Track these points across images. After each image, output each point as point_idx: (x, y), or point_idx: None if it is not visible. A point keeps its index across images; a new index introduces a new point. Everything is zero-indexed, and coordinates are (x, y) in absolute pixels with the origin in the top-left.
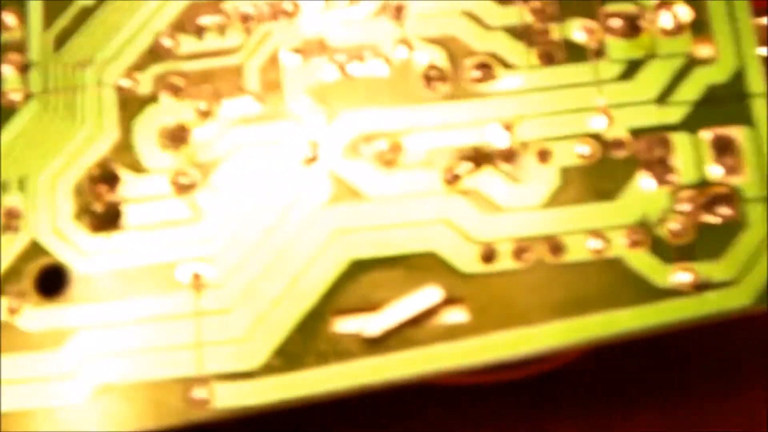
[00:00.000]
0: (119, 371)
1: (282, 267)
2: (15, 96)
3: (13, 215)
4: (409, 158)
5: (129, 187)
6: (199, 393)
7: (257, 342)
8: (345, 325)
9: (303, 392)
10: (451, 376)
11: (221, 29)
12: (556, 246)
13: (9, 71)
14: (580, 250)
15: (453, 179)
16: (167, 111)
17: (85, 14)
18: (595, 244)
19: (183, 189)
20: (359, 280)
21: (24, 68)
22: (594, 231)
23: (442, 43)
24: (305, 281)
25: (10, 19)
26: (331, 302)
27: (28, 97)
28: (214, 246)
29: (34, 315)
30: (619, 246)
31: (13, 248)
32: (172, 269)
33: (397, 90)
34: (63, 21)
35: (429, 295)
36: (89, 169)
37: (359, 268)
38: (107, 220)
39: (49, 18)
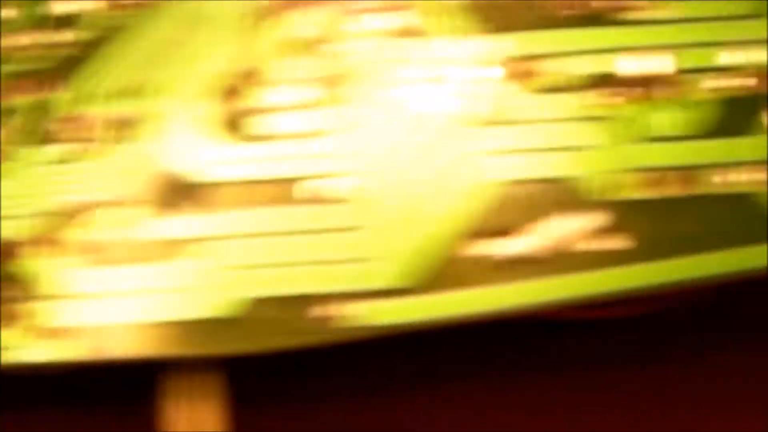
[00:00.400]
0: (249, 286)
1: (408, 185)
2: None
3: (133, 121)
4: (548, 82)
5: (256, 99)
6: (331, 310)
7: (394, 262)
8: (482, 248)
9: (436, 314)
10: (570, 309)
11: None
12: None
13: None
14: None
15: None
16: (298, 22)
17: None
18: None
19: (319, 102)
20: (495, 202)
21: None
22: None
23: None
24: (436, 202)
25: None
26: (466, 225)
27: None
28: (344, 162)
29: (160, 225)
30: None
31: (134, 157)
32: (303, 183)
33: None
34: None
35: (572, 220)
36: (219, 77)
37: (499, 189)
38: (239, 128)
39: None
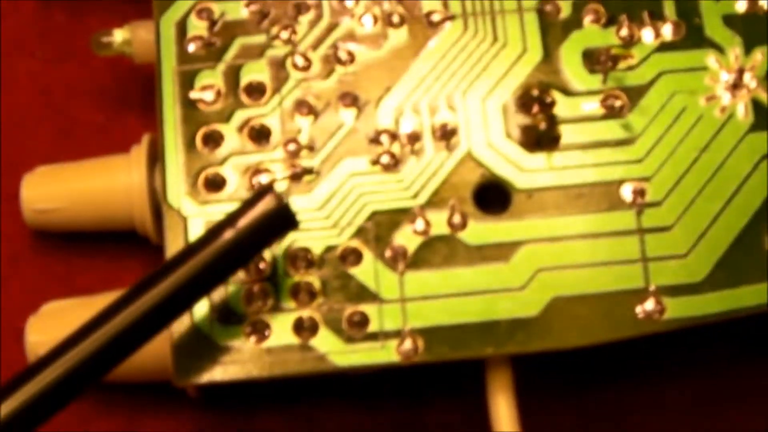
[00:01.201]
0: (569, 285)
1: (715, 187)
2: (436, 17)
3: (446, 132)
4: None
5: (561, 109)
6: (648, 306)
7: (698, 258)
8: None
9: (743, 304)
10: None
11: None
12: None
13: None
14: None
15: None
16: (591, 36)
17: None
18: None
19: (615, 111)
20: None
21: None
22: None
23: None
24: (738, 200)
25: None
26: (763, 221)
27: (448, 18)
28: (650, 166)
29: (478, 229)
30: None
31: (450, 163)
32: (614, 188)
33: None
34: None
35: None
36: (525, 89)
37: None
38: (548, 138)
39: None
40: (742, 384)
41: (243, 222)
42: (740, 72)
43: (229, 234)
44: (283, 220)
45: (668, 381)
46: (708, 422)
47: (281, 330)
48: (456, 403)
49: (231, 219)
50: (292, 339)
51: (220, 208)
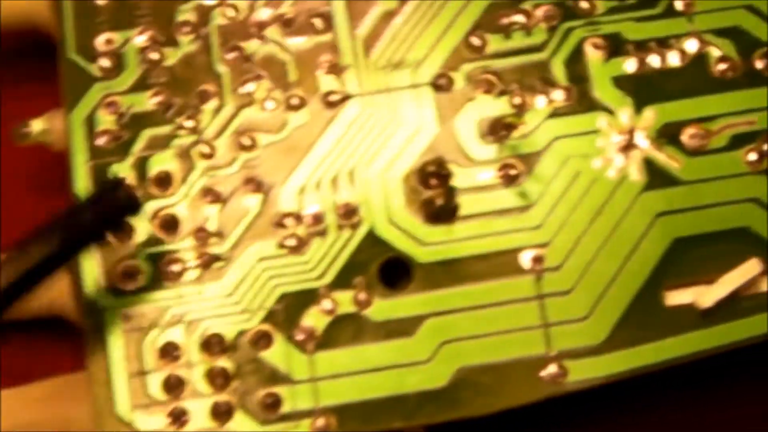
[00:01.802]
0: (473, 355)
1: (612, 248)
2: (334, 97)
3: (348, 211)
4: (714, 143)
5: (458, 180)
6: (551, 370)
7: (598, 319)
8: (677, 298)
9: (645, 362)
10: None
11: (526, 28)
12: None
13: (324, 75)
14: None
15: (757, 161)
16: (484, 106)
17: (389, 17)
18: None
19: (511, 180)
20: (683, 256)
21: (339, 71)
22: None
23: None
24: (635, 260)
25: (318, 22)
26: (661, 278)
27: (346, 98)
28: (547, 232)
29: (383, 306)
30: None
31: (353, 242)
32: (513, 256)
33: (691, 80)
34: (368, 24)
35: (751, 267)
36: (423, 164)
37: (682, 245)
38: (446, 211)
39: (354, 21)
40: None
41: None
42: (631, 132)
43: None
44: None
45: None
46: None
47: (199, 415)
48: None
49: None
50: (210, 424)
51: (135, 298)
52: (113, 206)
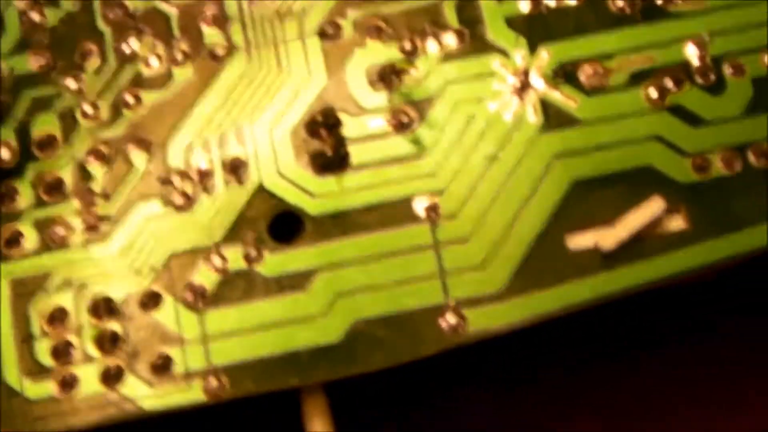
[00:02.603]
0: (369, 308)
1: (509, 193)
2: (219, 51)
3: (236, 166)
4: (614, 81)
5: (349, 129)
6: (450, 320)
7: (497, 267)
8: (578, 242)
9: (546, 309)
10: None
11: None
12: (761, 151)
13: (208, 28)
14: None
15: (658, 98)
16: (374, 53)
17: None
18: None
19: (402, 127)
20: (583, 198)
21: (223, 23)
22: None
23: None
24: (533, 205)
25: None
26: (561, 223)
27: (231, 51)
28: (442, 179)
29: (274, 261)
30: None
31: (242, 197)
32: (406, 204)
33: (588, 18)
34: None
35: (654, 205)
36: (311, 115)
37: (582, 187)
38: (336, 161)
39: None
40: None
41: None
42: (526, 74)
43: None
44: None
45: None
46: None
47: (89, 380)
48: None
49: None
50: (100, 388)
51: (20, 264)
52: None
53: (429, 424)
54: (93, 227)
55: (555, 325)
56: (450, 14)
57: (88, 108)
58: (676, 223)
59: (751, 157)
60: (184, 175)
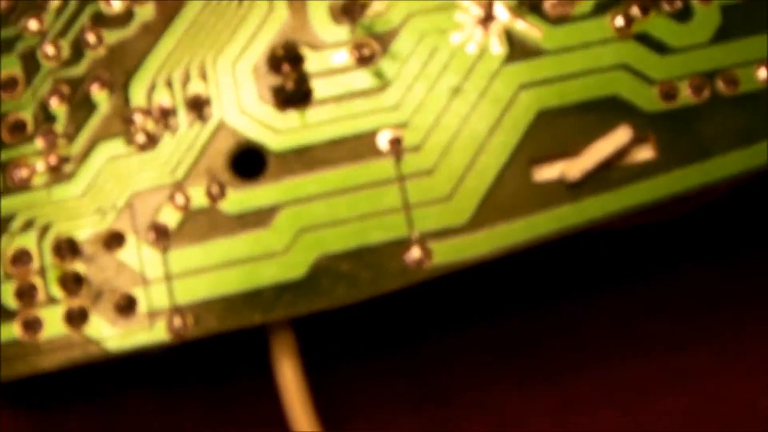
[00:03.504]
0: (332, 242)
1: (474, 125)
2: None
3: (198, 103)
4: (579, 9)
5: (311, 64)
6: (415, 254)
7: (462, 199)
8: (544, 173)
9: (512, 240)
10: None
11: None
12: (729, 79)
13: None
14: (751, 80)
15: (625, 26)
16: None
17: None
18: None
19: (365, 60)
20: (549, 129)
21: None
22: (762, 61)
23: None
24: (498, 136)
25: None
26: (526, 153)
27: None
28: (405, 112)
29: (237, 197)
30: None
31: (204, 134)
32: (370, 138)
33: None
34: None
35: (621, 134)
36: (272, 50)
37: (547, 118)
38: (298, 96)
39: None
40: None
41: None
42: (489, 4)
43: None
44: None
45: None
46: None
47: (53, 322)
48: None
49: None
50: (65, 330)
51: None
52: None
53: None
54: (55, 168)
55: None
56: None
57: (49, 48)
58: (644, 153)
59: (720, 85)
60: (146, 113)
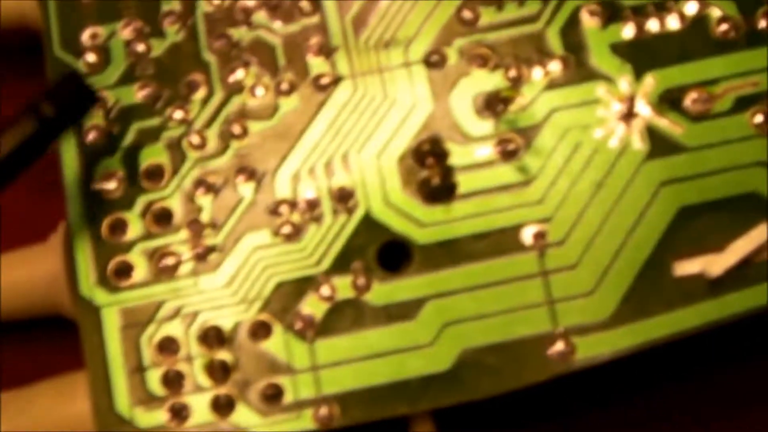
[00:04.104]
0: (476, 336)
1: (616, 220)
2: (325, 80)
3: (343, 195)
4: (719, 107)
5: (456, 158)
6: (558, 347)
7: (605, 294)
8: (686, 269)
9: (654, 336)
10: None
11: None
12: None
13: (314, 57)
14: None
15: (764, 122)
16: (479, 81)
17: None
18: None
19: (509, 155)
20: (689, 225)
21: (328, 53)
22: None
23: None
24: (640, 231)
25: (306, 5)
26: (668, 249)
27: (337, 80)
28: (549, 206)
29: (383, 290)
30: None
31: (350, 226)
32: (514, 232)
33: (692, 43)
34: (357, 2)
35: (760, 232)
36: (418, 143)
37: (688, 214)
38: (444, 190)
39: (342, 1)
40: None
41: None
42: (631, 100)
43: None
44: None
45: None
46: None
47: (200, 410)
48: None
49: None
50: (211, 417)
51: (130, 294)
52: (70, 96)
53: None
54: (201, 257)
55: None
56: (554, 41)
57: (195, 138)
58: None
59: None
60: (291, 204)
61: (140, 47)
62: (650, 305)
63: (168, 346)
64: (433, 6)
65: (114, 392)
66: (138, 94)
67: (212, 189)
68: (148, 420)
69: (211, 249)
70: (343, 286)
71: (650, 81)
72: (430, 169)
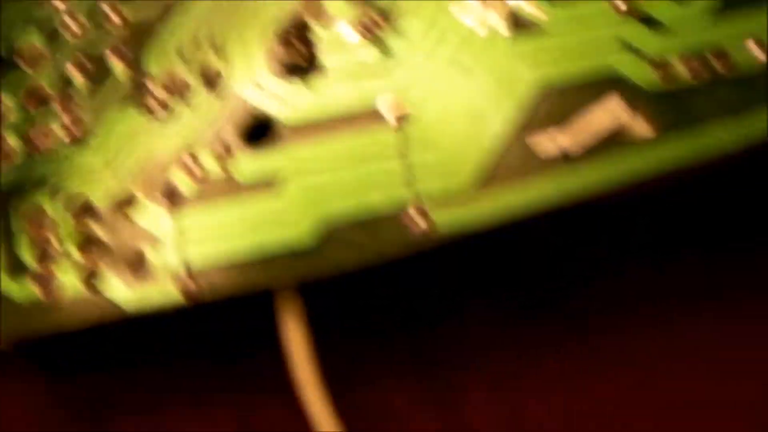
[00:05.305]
0: (340, 212)
1: (472, 95)
2: None
3: (212, 75)
4: None
5: (320, 37)
6: (419, 222)
7: (464, 170)
8: (544, 144)
9: (514, 209)
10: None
11: None
12: (724, 56)
13: None
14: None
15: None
16: None
17: None
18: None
19: (373, 35)
20: (548, 103)
21: None
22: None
23: None
24: (490, 106)
25: None
26: (523, 122)
27: None
28: (409, 83)
29: (247, 165)
30: None
31: (217, 105)
32: (376, 110)
33: None
34: None
35: (615, 106)
36: (284, 22)
37: (547, 92)
38: (306, 69)
39: None
40: None
41: None
42: None
43: None
44: None
45: None
46: None
47: (70, 281)
48: None
49: None
50: (82, 289)
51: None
52: None
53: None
54: (73, 132)
55: None
56: None
57: (69, 21)
58: (641, 128)
59: (715, 63)
60: (161, 83)
61: None
62: (510, 180)
63: (38, 219)
64: None
65: None
66: None
67: (85, 68)
68: (20, 292)
69: (82, 124)
70: (209, 163)
71: None
72: (294, 48)
